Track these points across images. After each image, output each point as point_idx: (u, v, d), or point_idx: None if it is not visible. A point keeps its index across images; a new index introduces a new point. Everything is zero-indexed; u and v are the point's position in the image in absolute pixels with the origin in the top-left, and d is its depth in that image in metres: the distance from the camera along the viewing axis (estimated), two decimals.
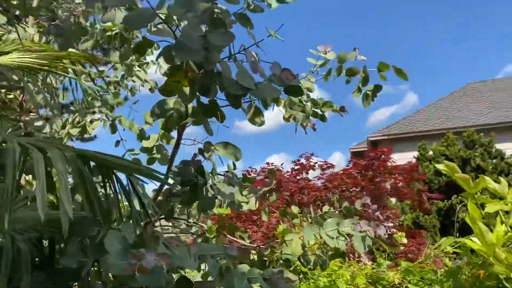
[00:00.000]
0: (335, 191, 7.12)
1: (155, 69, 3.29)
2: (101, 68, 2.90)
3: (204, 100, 1.63)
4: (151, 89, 3.18)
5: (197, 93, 1.57)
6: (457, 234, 3.23)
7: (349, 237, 2.00)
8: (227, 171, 2.17)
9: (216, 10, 1.42)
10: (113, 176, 1.16)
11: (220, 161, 2.06)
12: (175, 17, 1.47)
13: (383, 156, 7.23)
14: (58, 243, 1.19)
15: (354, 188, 7.15)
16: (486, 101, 14.48)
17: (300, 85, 1.17)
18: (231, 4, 1.42)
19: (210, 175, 2.03)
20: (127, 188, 1.19)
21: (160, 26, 1.51)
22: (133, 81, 3.14)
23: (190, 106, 1.82)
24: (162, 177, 1.49)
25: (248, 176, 2.89)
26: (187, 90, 1.64)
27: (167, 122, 1.86)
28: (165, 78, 1.61)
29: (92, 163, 1.15)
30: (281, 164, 8.31)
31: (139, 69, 3.04)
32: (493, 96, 14.75)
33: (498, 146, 10.00)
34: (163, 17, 1.42)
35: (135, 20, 1.38)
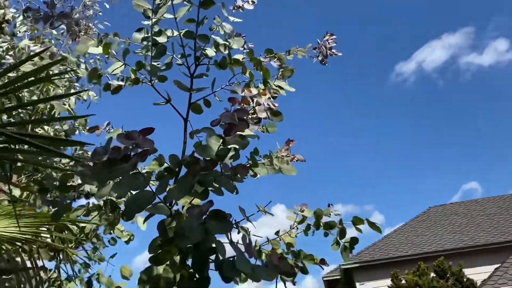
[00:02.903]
0: None
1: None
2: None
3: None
4: (127, 241, 3.16)
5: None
6: None
7: None
8: None
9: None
10: None
11: None
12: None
13: None
14: None
15: None
16: (448, 225, 15.01)
17: (290, 270, 1.25)
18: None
19: None
20: None
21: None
22: (111, 233, 3.13)
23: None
24: None
25: None
26: (177, 258, 1.68)
27: None
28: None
29: None
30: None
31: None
32: (454, 220, 15.36)
33: (466, 271, 10.09)
34: (162, 199, 1.52)
35: (135, 203, 1.47)
